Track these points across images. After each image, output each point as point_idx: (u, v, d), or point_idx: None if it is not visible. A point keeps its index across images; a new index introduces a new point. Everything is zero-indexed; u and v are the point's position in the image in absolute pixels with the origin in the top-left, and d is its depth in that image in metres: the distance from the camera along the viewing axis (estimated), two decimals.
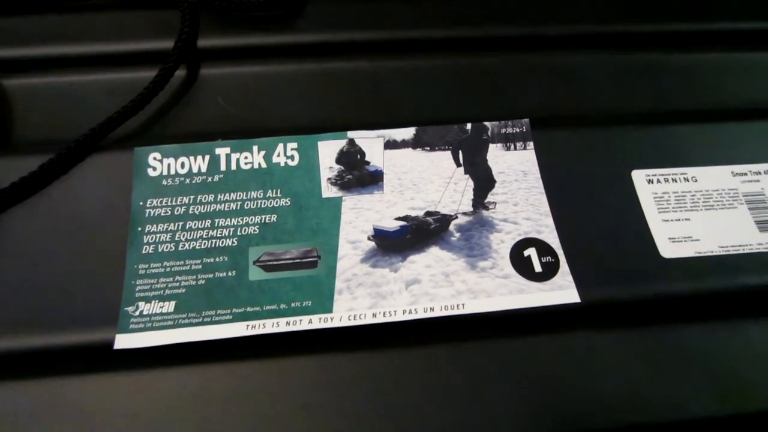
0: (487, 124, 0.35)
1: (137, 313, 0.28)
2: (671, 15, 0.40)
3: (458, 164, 0.34)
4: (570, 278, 0.30)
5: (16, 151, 0.33)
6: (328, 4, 0.38)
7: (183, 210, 0.31)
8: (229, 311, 0.29)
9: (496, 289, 0.30)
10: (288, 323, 0.28)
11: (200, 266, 0.30)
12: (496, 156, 0.34)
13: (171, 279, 0.29)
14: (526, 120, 0.35)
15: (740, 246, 0.32)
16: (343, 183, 0.33)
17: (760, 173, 0.35)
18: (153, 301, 0.29)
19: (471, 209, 0.33)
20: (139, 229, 0.31)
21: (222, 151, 0.33)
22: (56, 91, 0.35)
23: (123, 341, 0.28)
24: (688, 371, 0.28)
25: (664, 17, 0.40)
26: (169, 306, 0.29)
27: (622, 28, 0.39)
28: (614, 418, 0.27)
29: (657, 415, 0.27)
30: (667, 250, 0.32)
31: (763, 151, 0.36)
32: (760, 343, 0.30)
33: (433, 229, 0.32)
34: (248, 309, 0.29)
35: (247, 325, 0.28)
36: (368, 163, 0.33)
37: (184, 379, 0.27)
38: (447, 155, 0.34)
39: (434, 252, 0.31)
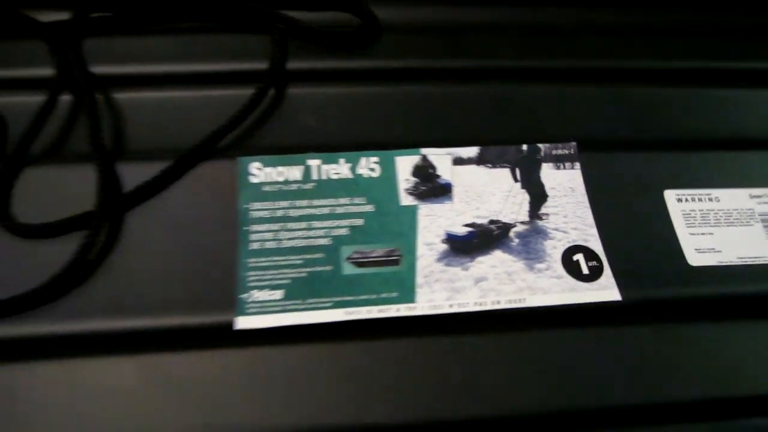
0: (540, 145, 0.40)
1: (251, 299, 0.33)
2: (701, 55, 0.46)
3: (515, 180, 0.39)
4: (612, 280, 0.36)
5: (132, 158, 0.38)
6: (400, 35, 0.44)
7: (282, 213, 0.36)
8: (328, 299, 0.34)
9: (551, 287, 0.35)
10: (380, 311, 0.34)
11: (301, 261, 0.35)
12: (548, 174, 0.40)
13: (277, 271, 0.34)
14: (574, 143, 0.40)
15: (756, 257, 0.38)
16: (419, 193, 0.38)
17: None
18: (264, 290, 0.34)
19: (527, 219, 0.38)
20: (245, 228, 0.36)
21: (313, 163, 0.38)
22: (164, 105, 0.40)
23: (242, 323, 0.33)
24: (709, 359, 0.34)
25: (695, 57, 0.45)
26: (278, 294, 0.34)
27: (655, 65, 0.45)
28: (642, 393, 0.32)
29: (682, 393, 0.32)
30: (694, 258, 0.37)
31: None
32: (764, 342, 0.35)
33: (495, 235, 0.37)
34: (345, 298, 0.34)
35: (345, 312, 0.33)
36: (439, 176, 0.39)
37: (293, 355, 0.32)
38: (506, 172, 0.39)
39: (497, 254, 0.36)
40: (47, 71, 0.40)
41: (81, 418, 0.29)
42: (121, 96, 0.40)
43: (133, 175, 0.37)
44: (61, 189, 0.36)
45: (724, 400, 0.33)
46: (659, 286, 0.36)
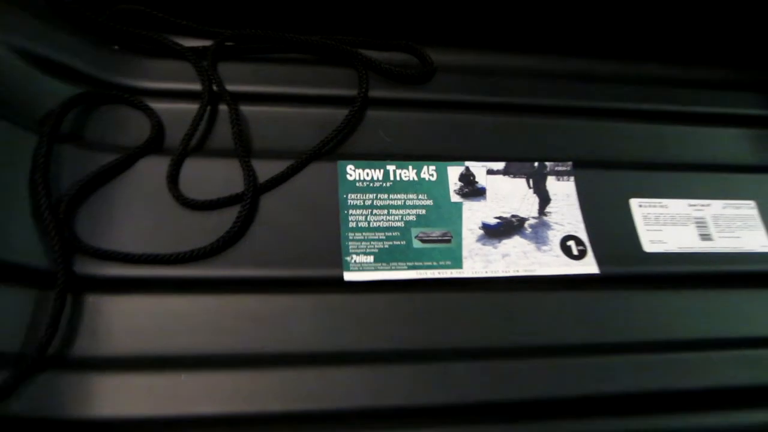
0: (546, 163, 0.57)
1: (352, 261, 0.49)
2: (659, 100, 0.62)
3: (529, 187, 0.55)
4: (593, 259, 0.53)
5: (259, 157, 0.52)
6: (449, 74, 0.59)
7: (370, 202, 0.52)
8: (404, 263, 0.49)
9: (552, 263, 0.52)
10: (438, 273, 0.49)
11: (384, 237, 0.50)
12: (551, 184, 0.56)
13: (368, 243, 0.50)
14: (570, 162, 0.57)
15: (689, 248, 0.55)
16: (463, 194, 0.54)
17: (704, 206, 0.58)
18: (360, 255, 0.49)
19: (537, 215, 0.54)
20: (345, 212, 0.51)
21: (390, 168, 0.54)
22: (277, 117, 0.55)
23: (349, 276, 0.48)
24: (655, 314, 0.51)
25: (655, 102, 0.62)
26: (370, 258, 0.49)
27: (628, 106, 0.61)
28: (607, 333, 0.49)
29: (634, 334, 0.49)
30: (648, 247, 0.54)
31: (708, 191, 0.59)
32: (696, 305, 0.52)
33: (515, 226, 0.53)
34: (415, 263, 0.50)
35: (416, 272, 0.49)
36: (477, 182, 0.55)
37: (382, 299, 0.48)
38: (523, 181, 0.56)
39: (516, 239, 0.53)
40: (190, 86, 0.54)
41: (233, 334, 0.44)
42: (245, 108, 0.55)
43: (259, 168, 0.52)
44: (209, 176, 0.51)
45: (663, 342, 0.50)
46: (624, 265, 0.53)
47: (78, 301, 0.44)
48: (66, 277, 0.42)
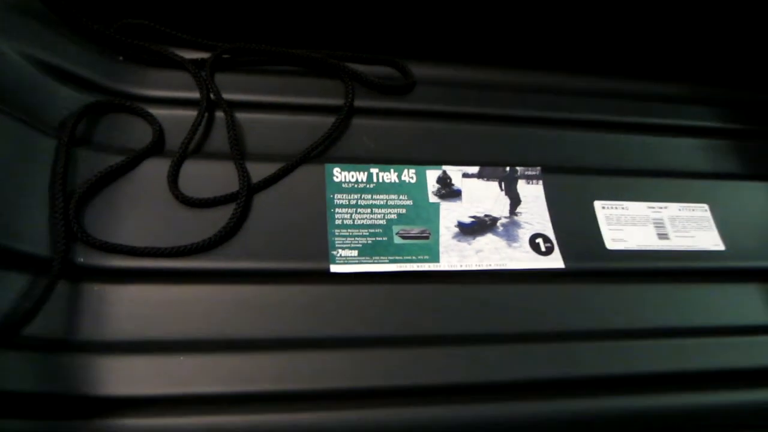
0: (517, 168, 0.62)
1: (338, 255, 0.53)
2: (620, 112, 0.68)
3: (501, 190, 0.60)
4: (559, 255, 0.57)
5: (253, 160, 0.57)
6: (429, 86, 0.64)
7: (354, 201, 0.56)
8: (385, 258, 0.54)
9: (521, 258, 0.56)
10: (417, 266, 0.54)
11: (367, 233, 0.55)
12: (522, 187, 0.61)
13: (353, 239, 0.54)
14: (539, 167, 0.62)
15: (647, 246, 0.60)
16: (441, 195, 0.59)
17: (662, 209, 0.63)
18: (345, 249, 0.54)
19: (508, 215, 0.59)
20: (332, 210, 0.55)
21: (373, 170, 0.58)
22: (266, 123, 0.60)
23: (335, 268, 0.52)
24: (615, 303, 0.55)
25: (617, 114, 0.68)
26: (355, 252, 0.54)
27: (592, 117, 0.67)
28: (572, 321, 0.54)
29: (596, 323, 0.54)
30: (610, 245, 0.59)
31: (665, 195, 0.64)
32: (654, 297, 0.57)
33: (488, 224, 0.58)
34: (395, 257, 0.54)
35: (396, 266, 0.54)
36: (453, 185, 0.59)
37: (365, 290, 0.52)
38: (495, 184, 0.61)
39: (489, 236, 0.57)
40: (190, 94, 0.59)
41: (229, 321, 0.48)
42: (240, 115, 0.59)
43: (253, 170, 0.56)
44: (206, 177, 0.55)
45: (623, 330, 0.55)
46: (588, 261, 0.58)
47: (81, 289, 0.48)
48: (61, 264, 0.46)
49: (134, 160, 0.53)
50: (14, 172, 0.48)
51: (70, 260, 0.48)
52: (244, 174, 0.54)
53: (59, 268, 0.46)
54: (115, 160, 0.53)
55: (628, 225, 0.61)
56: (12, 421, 0.42)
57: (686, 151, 0.68)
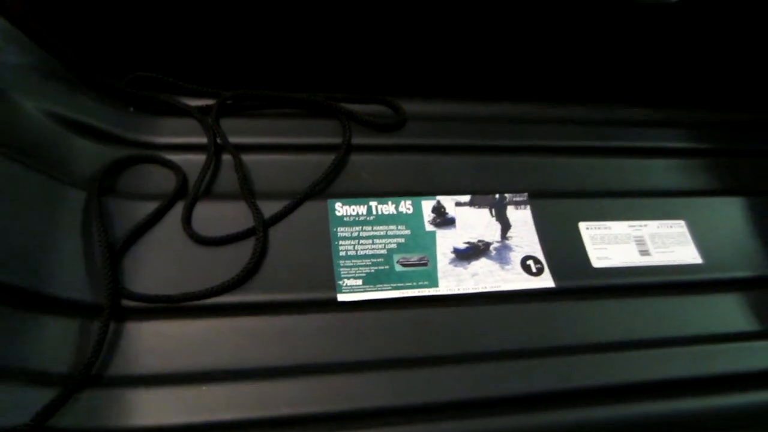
0: (506, 195, 0.66)
1: (344, 284, 0.57)
2: (601, 138, 0.73)
3: (492, 216, 0.65)
4: (550, 275, 0.62)
5: (260, 198, 0.61)
6: (419, 122, 0.69)
7: (356, 233, 0.60)
8: (388, 285, 0.58)
9: (514, 279, 0.61)
10: (418, 292, 0.58)
11: (370, 263, 0.59)
12: (511, 212, 0.65)
13: (357, 269, 0.58)
14: (526, 194, 0.66)
15: (630, 262, 0.65)
16: (436, 224, 0.63)
17: (642, 226, 0.68)
18: (351, 279, 0.58)
19: (500, 239, 0.63)
20: (336, 243, 0.60)
21: (373, 204, 0.62)
22: (271, 164, 0.64)
23: (342, 297, 0.56)
24: (604, 318, 0.60)
25: (599, 139, 0.73)
26: (359, 281, 0.58)
27: (575, 144, 0.72)
28: (560, 336, 0.58)
29: (586, 336, 0.58)
30: (596, 263, 0.64)
31: (644, 214, 0.68)
32: (639, 311, 0.61)
33: (482, 249, 0.62)
34: (397, 284, 0.58)
35: (398, 292, 0.58)
36: (447, 213, 0.64)
37: (370, 316, 0.56)
38: (486, 211, 0.65)
39: (483, 260, 0.61)
40: (198, 140, 0.63)
41: (247, 350, 0.52)
42: (246, 157, 0.64)
43: (267, 209, 0.60)
44: (217, 216, 0.59)
45: (613, 343, 0.59)
46: (575, 279, 0.62)
47: (117, 329, 0.51)
48: (112, 310, 0.50)
49: (166, 207, 0.57)
50: (43, 220, 0.51)
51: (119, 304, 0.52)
52: (257, 212, 0.59)
53: (108, 314, 0.50)
54: (137, 207, 0.57)
55: (611, 243, 0.66)
56: None
57: (662, 171, 0.73)
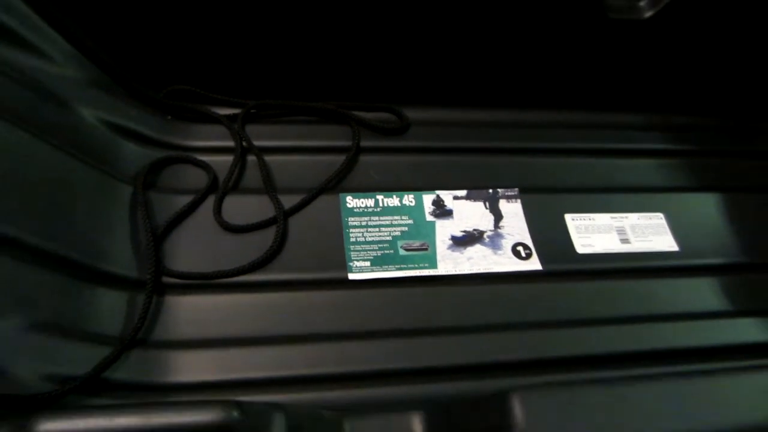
0: (499, 189, 0.74)
1: (354, 265, 0.65)
2: (586, 140, 0.81)
3: (486, 208, 0.73)
4: (538, 260, 0.69)
5: (280, 192, 0.70)
6: (422, 126, 0.78)
7: (365, 223, 0.69)
8: (393, 266, 0.66)
9: (506, 263, 0.68)
10: (419, 272, 0.66)
11: (377, 247, 0.67)
12: (503, 205, 0.73)
13: (366, 252, 0.66)
14: (517, 188, 0.74)
15: (610, 249, 0.72)
16: (436, 215, 0.71)
17: (623, 218, 0.75)
18: (360, 261, 0.66)
19: (493, 228, 0.71)
20: (347, 231, 0.68)
21: (379, 197, 0.71)
22: (290, 163, 0.73)
23: (352, 276, 0.64)
24: (585, 300, 0.67)
25: (583, 141, 0.81)
26: (367, 263, 0.66)
27: (559, 146, 0.80)
28: (546, 313, 0.65)
29: (567, 313, 0.65)
30: (580, 249, 0.71)
31: (626, 207, 0.76)
32: (618, 292, 0.68)
33: (476, 237, 0.70)
34: (401, 266, 0.66)
35: (402, 272, 0.66)
36: (446, 206, 0.72)
37: (377, 293, 0.64)
38: (481, 204, 0.73)
39: (477, 246, 0.69)
40: (226, 143, 0.72)
41: (269, 321, 0.60)
42: (268, 158, 0.72)
43: (286, 201, 0.69)
44: (243, 207, 0.68)
45: (592, 319, 0.66)
46: (561, 263, 0.70)
47: (159, 301, 0.60)
48: (154, 285, 0.59)
49: (200, 199, 0.66)
50: (98, 209, 0.61)
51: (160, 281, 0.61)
52: (278, 204, 0.67)
53: (151, 288, 0.59)
54: (175, 199, 0.66)
55: (594, 233, 0.73)
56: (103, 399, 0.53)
57: (642, 169, 0.81)
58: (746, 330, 0.68)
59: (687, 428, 0.36)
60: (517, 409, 0.36)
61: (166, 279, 0.61)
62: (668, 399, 0.37)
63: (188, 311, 0.60)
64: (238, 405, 0.33)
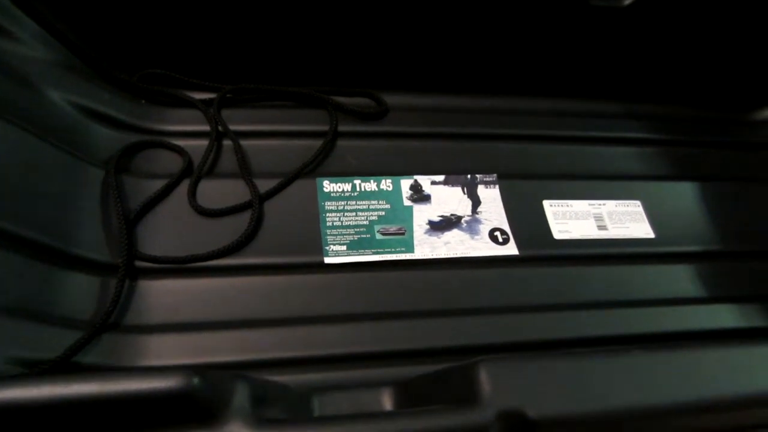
0: (477, 175, 0.74)
1: (330, 249, 0.65)
2: (567, 127, 0.81)
3: (464, 193, 0.73)
4: (514, 245, 0.69)
5: (257, 177, 0.69)
6: (399, 112, 0.77)
7: (342, 207, 0.68)
8: (369, 250, 0.65)
9: (482, 248, 0.68)
10: (395, 257, 0.66)
11: (354, 231, 0.67)
12: (481, 191, 0.73)
13: (342, 237, 0.66)
14: (495, 174, 0.74)
15: (588, 235, 0.72)
16: (413, 200, 0.71)
17: (601, 205, 0.76)
18: (336, 245, 0.65)
19: (470, 213, 0.71)
20: (323, 215, 0.67)
21: (356, 181, 0.70)
22: (267, 148, 0.72)
23: (328, 260, 0.64)
24: (559, 284, 0.67)
25: (564, 129, 0.81)
26: (344, 247, 0.65)
27: (539, 132, 0.80)
28: (523, 297, 0.65)
29: (541, 298, 0.65)
30: (557, 235, 0.71)
31: (603, 194, 0.76)
32: (594, 277, 0.69)
33: (454, 222, 0.70)
34: (377, 250, 0.66)
35: (379, 257, 0.65)
36: (423, 191, 0.71)
37: (353, 277, 0.63)
38: (459, 189, 0.73)
39: (455, 231, 0.69)
40: (201, 128, 0.71)
41: (244, 304, 0.59)
42: (244, 142, 0.72)
43: (262, 186, 0.68)
44: (219, 192, 0.67)
45: (568, 304, 0.66)
46: (538, 248, 0.70)
47: (132, 285, 0.59)
48: (127, 269, 0.58)
49: (174, 183, 0.65)
50: (68, 192, 0.59)
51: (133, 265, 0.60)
52: (254, 188, 0.66)
53: (124, 272, 0.57)
54: (148, 184, 0.65)
55: (572, 219, 0.73)
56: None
57: (620, 157, 0.81)
58: (720, 316, 0.68)
59: (654, 397, 0.36)
60: (484, 378, 0.35)
61: (139, 263, 0.60)
62: (634, 370, 0.37)
63: (161, 295, 0.59)
64: (199, 372, 0.33)
